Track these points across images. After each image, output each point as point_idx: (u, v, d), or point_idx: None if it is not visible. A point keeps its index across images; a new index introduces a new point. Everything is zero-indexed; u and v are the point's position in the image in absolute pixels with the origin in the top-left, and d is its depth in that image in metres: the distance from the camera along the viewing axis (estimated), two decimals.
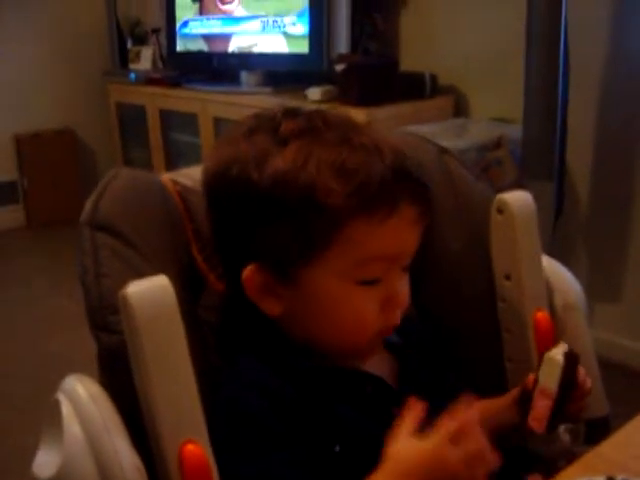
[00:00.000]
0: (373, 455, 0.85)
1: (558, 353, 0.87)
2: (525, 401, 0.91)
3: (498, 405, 0.99)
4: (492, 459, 0.77)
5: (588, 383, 0.91)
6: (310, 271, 0.86)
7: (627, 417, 0.90)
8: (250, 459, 0.82)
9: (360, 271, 0.86)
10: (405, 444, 0.79)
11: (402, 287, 0.90)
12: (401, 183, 0.85)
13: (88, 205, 0.94)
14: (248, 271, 0.89)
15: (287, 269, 0.87)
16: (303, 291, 0.88)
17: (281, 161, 0.84)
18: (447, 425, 0.78)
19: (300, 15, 3.23)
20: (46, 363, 2.82)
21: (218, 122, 3.47)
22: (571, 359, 0.87)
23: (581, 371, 0.90)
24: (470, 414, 0.79)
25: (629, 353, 2.63)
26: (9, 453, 2.29)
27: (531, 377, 0.92)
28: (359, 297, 0.87)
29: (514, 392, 0.97)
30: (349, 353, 0.92)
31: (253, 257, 0.88)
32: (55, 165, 4.62)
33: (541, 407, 0.87)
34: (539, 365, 0.89)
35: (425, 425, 0.89)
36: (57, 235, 4.39)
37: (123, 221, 0.93)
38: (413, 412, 0.80)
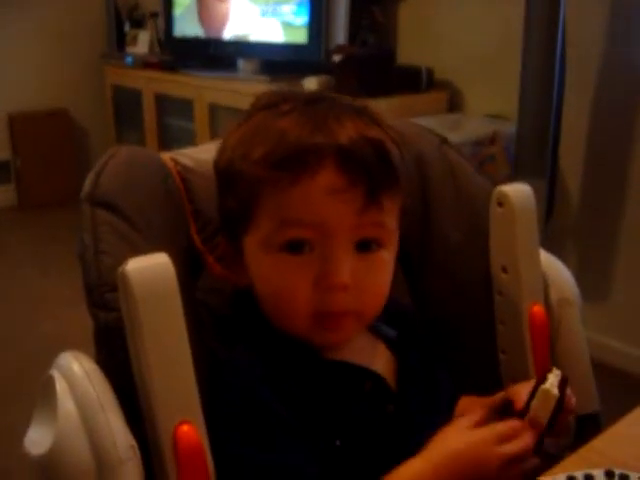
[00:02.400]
0: (371, 451, 0.85)
1: (554, 386, 0.86)
2: (508, 415, 0.91)
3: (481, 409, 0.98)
4: (532, 462, 0.82)
5: (573, 402, 0.90)
6: (248, 240, 0.88)
7: (614, 418, 0.90)
8: (265, 448, 0.81)
9: (280, 235, 0.84)
10: (454, 431, 0.84)
11: (340, 265, 0.84)
12: (323, 151, 0.82)
13: (88, 181, 0.93)
14: (221, 243, 0.94)
15: (235, 239, 0.90)
16: (248, 262, 0.89)
17: (235, 136, 0.89)
18: (498, 425, 0.84)
19: (300, 5, 3.22)
20: (37, 344, 2.80)
21: (213, 108, 3.46)
22: (563, 385, 0.86)
23: (568, 392, 0.88)
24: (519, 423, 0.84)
25: (616, 354, 2.64)
26: None
27: (517, 391, 0.91)
28: (284, 265, 0.84)
29: (497, 398, 0.94)
30: (298, 336, 0.88)
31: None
32: (48, 146, 4.59)
33: (529, 436, 0.86)
34: (532, 394, 0.86)
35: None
36: (48, 216, 4.39)
37: (123, 198, 0.92)
38: (474, 415, 0.86)
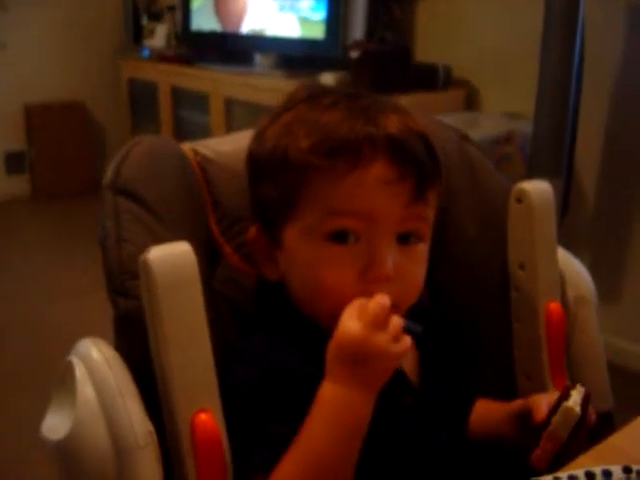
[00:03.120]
0: (387, 442, 0.84)
1: (577, 404, 0.85)
2: (525, 424, 0.91)
3: (498, 414, 0.98)
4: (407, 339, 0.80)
5: (594, 419, 0.89)
6: (288, 230, 0.87)
7: (626, 419, 0.90)
8: (264, 445, 0.81)
9: (326, 224, 0.83)
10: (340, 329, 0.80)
11: (385, 256, 0.83)
12: (377, 142, 0.82)
13: (110, 169, 0.94)
14: (250, 232, 0.93)
15: (273, 229, 0.89)
16: (286, 252, 0.88)
17: (276, 126, 0.89)
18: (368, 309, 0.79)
19: (317, 0, 3.22)
20: (50, 333, 2.82)
21: (229, 103, 3.46)
22: (585, 402, 0.86)
23: (589, 409, 0.87)
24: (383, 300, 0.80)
25: (629, 355, 2.63)
26: (11, 420, 2.30)
27: (536, 401, 0.90)
28: (330, 255, 0.84)
29: (515, 405, 0.95)
30: (330, 326, 0.85)
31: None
32: (63, 137, 4.61)
33: (548, 450, 0.85)
34: (555, 409, 0.86)
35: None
36: (61, 207, 4.42)
37: (144, 187, 0.93)
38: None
